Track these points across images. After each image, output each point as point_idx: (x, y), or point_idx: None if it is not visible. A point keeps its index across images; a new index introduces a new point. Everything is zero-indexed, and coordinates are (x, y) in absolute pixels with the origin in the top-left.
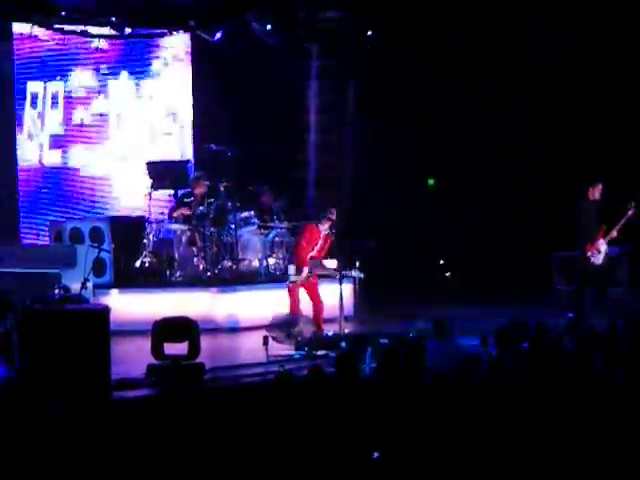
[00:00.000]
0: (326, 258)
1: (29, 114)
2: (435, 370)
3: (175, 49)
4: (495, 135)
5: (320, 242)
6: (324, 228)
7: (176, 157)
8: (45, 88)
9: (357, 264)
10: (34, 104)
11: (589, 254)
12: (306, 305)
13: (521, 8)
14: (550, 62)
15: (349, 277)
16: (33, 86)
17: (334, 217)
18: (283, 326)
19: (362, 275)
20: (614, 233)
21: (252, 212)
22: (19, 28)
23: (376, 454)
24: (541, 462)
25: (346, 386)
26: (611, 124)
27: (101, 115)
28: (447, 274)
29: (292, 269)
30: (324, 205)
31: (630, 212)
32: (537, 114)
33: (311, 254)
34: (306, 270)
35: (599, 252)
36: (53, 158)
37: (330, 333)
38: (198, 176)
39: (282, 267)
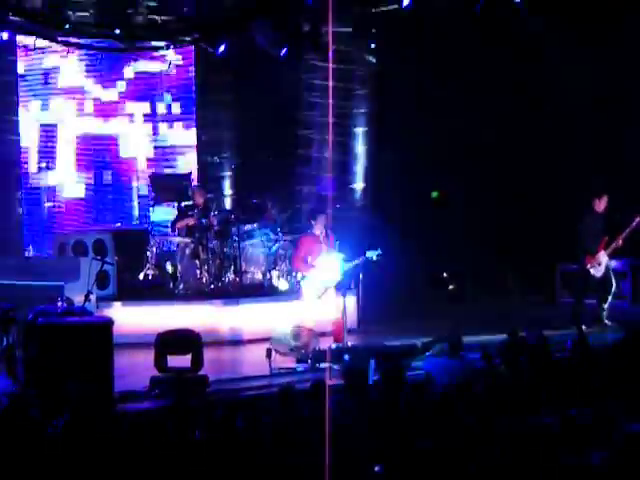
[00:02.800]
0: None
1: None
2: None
3: (179, 62)
4: (498, 146)
5: (323, 245)
6: (318, 232)
7: (179, 170)
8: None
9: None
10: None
11: (589, 266)
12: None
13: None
14: (556, 73)
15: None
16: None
17: (322, 219)
18: (286, 339)
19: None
20: (619, 242)
21: (255, 225)
22: (23, 41)
23: (377, 468)
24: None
25: (354, 398)
26: (617, 135)
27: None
28: (450, 287)
29: (309, 284)
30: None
31: (634, 223)
32: (540, 125)
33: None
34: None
35: (599, 264)
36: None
37: (333, 346)
38: (198, 186)
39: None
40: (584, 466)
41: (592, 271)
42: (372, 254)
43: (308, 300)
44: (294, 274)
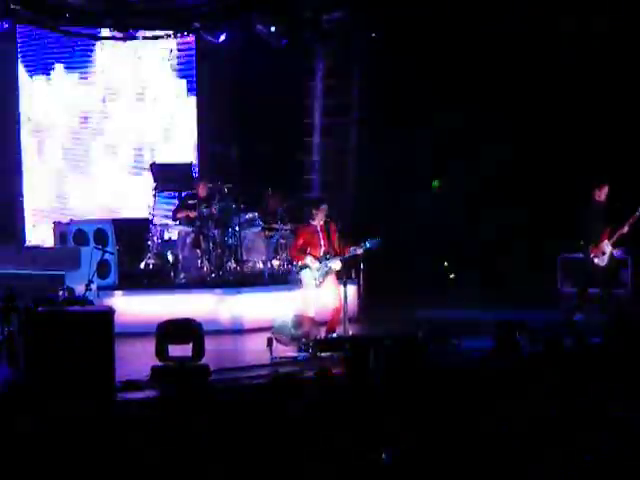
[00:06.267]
0: (340, 249)
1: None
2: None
3: (179, 51)
4: (500, 136)
5: (321, 235)
6: (317, 222)
7: (180, 159)
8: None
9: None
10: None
11: (593, 256)
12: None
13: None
14: (556, 63)
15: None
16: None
17: (323, 210)
18: (287, 328)
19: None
20: (625, 229)
21: (256, 214)
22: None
23: (384, 455)
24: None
25: (354, 387)
26: (618, 124)
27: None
28: (451, 276)
29: (306, 273)
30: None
31: (638, 213)
32: (542, 114)
33: (323, 249)
34: (309, 261)
35: (603, 254)
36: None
37: (334, 335)
38: (200, 178)
39: (286, 269)
40: None
41: (596, 260)
42: (372, 243)
43: (308, 289)
44: (294, 263)
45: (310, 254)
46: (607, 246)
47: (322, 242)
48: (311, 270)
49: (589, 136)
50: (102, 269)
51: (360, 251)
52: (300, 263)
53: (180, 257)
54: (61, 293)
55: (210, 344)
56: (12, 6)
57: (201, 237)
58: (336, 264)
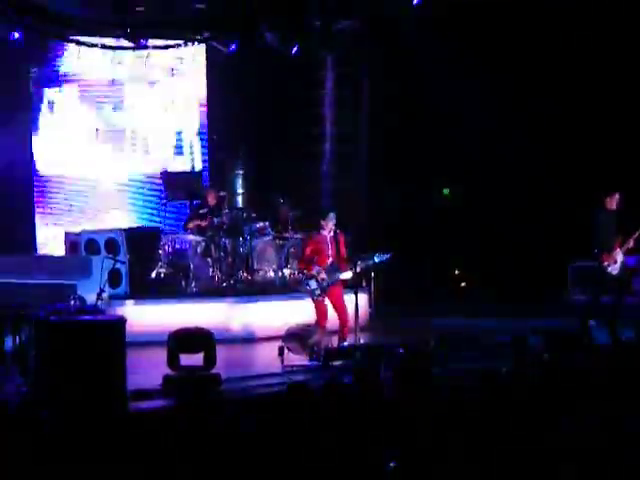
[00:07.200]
0: (346, 260)
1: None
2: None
3: (190, 60)
4: (511, 143)
5: (330, 246)
6: (327, 232)
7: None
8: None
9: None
10: (51, 110)
11: (605, 264)
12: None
13: (539, 13)
14: (568, 66)
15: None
16: (50, 93)
17: (331, 219)
18: (299, 337)
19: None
20: (631, 243)
21: (267, 222)
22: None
23: (391, 464)
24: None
25: (363, 397)
26: (629, 132)
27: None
28: (462, 284)
29: (312, 283)
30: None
31: None
32: (554, 122)
33: (331, 260)
34: (316, 271)
35: (615, 262)
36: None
37: (345, 343)
38: (211, 185)
39: (297, 277)
40: None
41: (609, 269)
42: (381, 258)
43: (316, 298)
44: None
45: (317, 264)
46: (619, 254)
47: (330, 252)
48: (318, 280)
49: (601, 143)
50: (113, 278)
51: (369, 264)
52: (308, 273)
53: (191, 266)
54: (72, 302)
55: (221, 353)
56: (22, 16)
57: (212, 246)
58: (346, 274)
